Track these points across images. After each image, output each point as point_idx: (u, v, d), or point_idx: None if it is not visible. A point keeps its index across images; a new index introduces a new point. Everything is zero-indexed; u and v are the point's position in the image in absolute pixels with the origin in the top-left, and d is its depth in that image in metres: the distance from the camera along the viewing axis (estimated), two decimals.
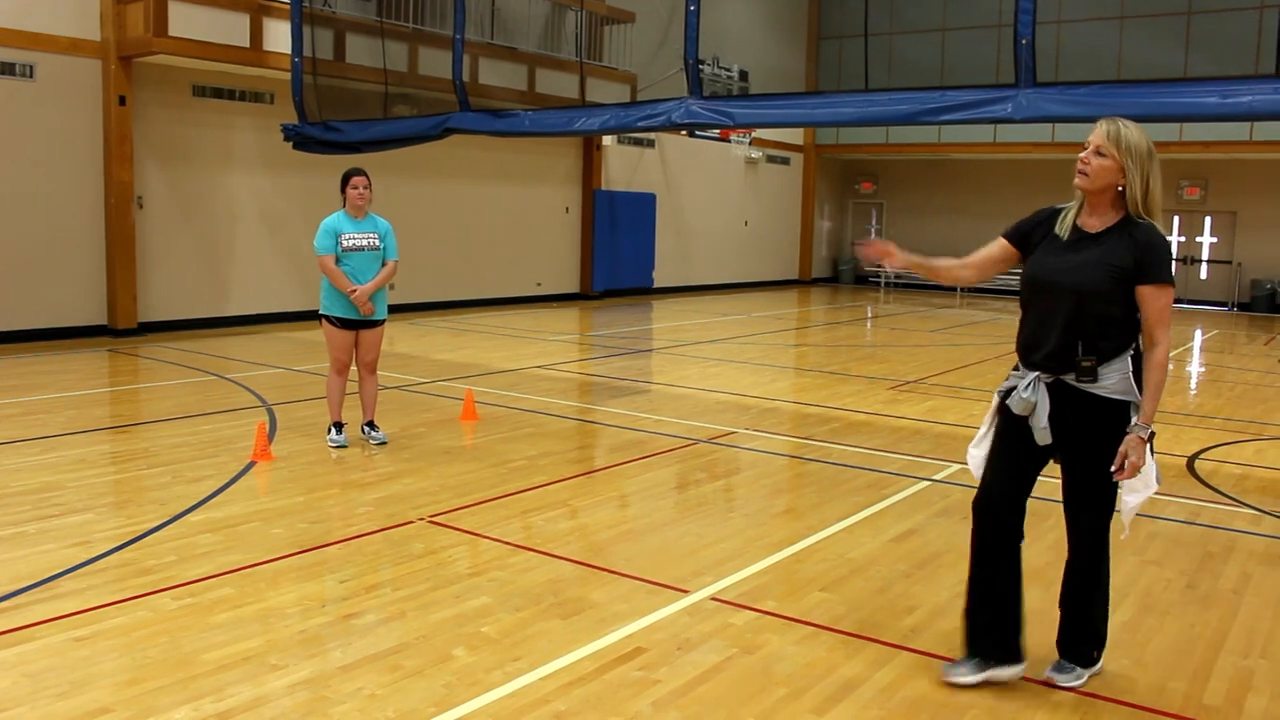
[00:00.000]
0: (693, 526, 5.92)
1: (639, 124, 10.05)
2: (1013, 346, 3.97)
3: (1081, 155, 3.66)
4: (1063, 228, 3.77)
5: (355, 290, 7.19)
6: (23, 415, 8.50)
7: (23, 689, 3.73)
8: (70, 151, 13.34)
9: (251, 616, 4.40)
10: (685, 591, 4.82)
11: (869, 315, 20.62)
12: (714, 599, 4.75)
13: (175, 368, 11.24)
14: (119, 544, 5.30)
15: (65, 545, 5.29)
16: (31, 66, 12.94)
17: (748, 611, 4.60)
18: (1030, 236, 3.88)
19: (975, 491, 3.96)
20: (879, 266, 4.34)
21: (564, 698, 3.74)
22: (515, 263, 19.72)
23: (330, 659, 4.01)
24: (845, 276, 28.94)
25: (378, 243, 7.34)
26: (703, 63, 9.97)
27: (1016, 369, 3.87)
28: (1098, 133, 3.63)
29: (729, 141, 22.84)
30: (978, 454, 4.03)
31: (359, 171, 7.35)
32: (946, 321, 19.10)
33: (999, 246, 3.96)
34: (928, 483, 6.97)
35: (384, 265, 7.39)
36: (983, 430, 4.04)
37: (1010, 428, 3.86)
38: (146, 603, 4.54)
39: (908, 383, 11.25)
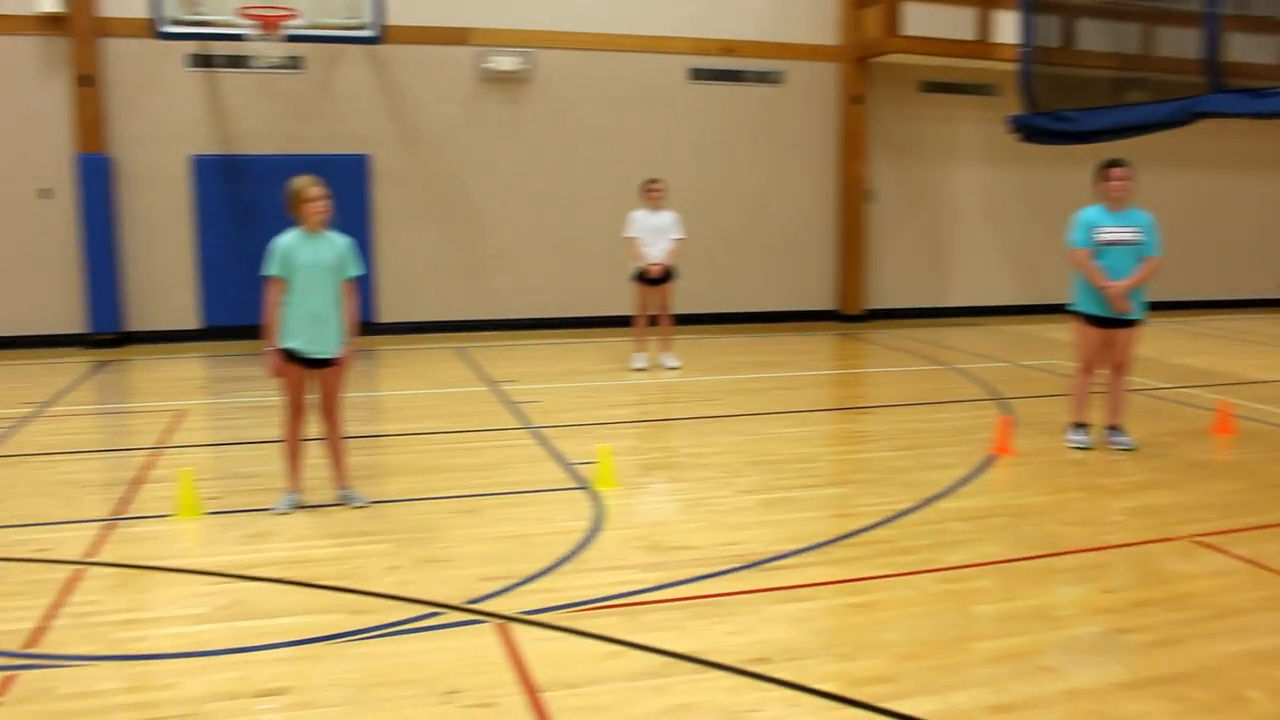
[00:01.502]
0: None
1: None
2: None
3: None
4: None
5: (1110, 286, 6.84)
6: (774, 390, 9.44)
7: (812, 643, 4.07)
8: (809, 149, 14.57)
9: (1017, 613, 4.36)
10: None
11: None
12: None
13: (901, 354, 11.73)
14: (877, 521, 5.59)
15: (828, 515, 5.72)
16: (781, 73, 14.32)
17: None
18: None
19: None
20: None
21: None
22: (1257, 260, 17.63)
23: (1106, 673, 3.83)
24: None
25: (1138, 237, 6.89)
26: None
27: None
28: None
29: None
30: None
31: (1120, 162, 6.95)
32: None
33: None
34: None
35: (1144, 261, 6.93)
36: None
37: None
38: (910, 582, 4.72)
39: None
